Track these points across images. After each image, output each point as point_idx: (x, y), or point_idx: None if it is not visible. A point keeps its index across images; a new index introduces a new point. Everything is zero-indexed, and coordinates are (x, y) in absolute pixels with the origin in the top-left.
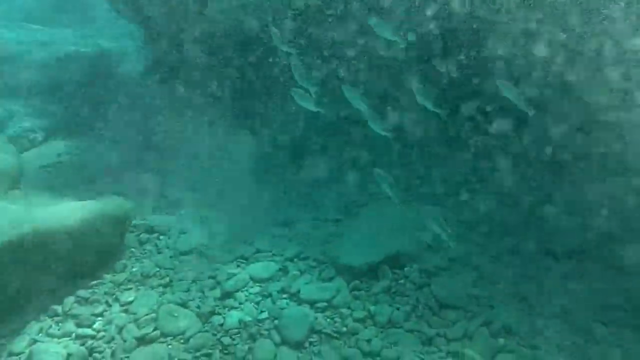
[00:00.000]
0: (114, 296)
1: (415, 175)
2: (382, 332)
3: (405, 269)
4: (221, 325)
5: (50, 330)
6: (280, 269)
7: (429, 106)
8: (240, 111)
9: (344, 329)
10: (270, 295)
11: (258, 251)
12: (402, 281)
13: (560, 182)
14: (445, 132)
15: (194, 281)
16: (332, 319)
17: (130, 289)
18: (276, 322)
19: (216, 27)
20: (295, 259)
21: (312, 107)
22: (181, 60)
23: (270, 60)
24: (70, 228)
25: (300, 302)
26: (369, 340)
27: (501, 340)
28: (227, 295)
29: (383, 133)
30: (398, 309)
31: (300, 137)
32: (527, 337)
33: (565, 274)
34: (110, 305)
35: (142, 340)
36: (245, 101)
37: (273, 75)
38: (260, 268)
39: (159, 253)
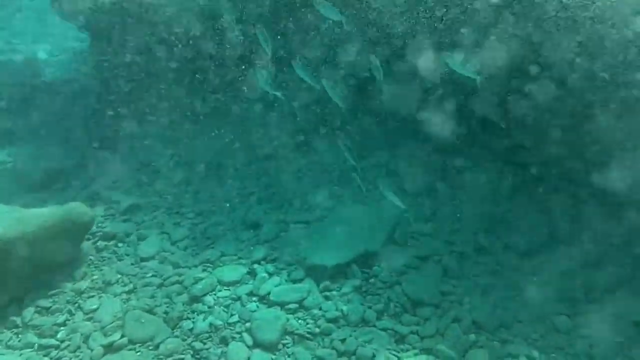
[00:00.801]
0: (77, 304)
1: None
2: (355, 331)
3: (375, 268)
4: (191, 330)
5: (10, 342)
6: (248, 272)
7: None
8: (189, 111)
9: (317, 329)
10: (239, 298)
11: (223, 255)
12: (372, 280)
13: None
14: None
15: (159, 287)
16: (304, 320)
17: (93, 296)
18: (247, 324)
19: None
20: (262, 262)
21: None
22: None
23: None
24: (28, 235)
25: (270, 304)
26: (343, 340)
27: (472, 336)
28: (195, 299)
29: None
30: (370, 307)
31: (259, 137)
32: (496, 331)
33: (529, 269)
34: (73, 314)
35: (110, 348)
36: (191, 101)
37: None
38: (228, 271)
39: (120, 260)
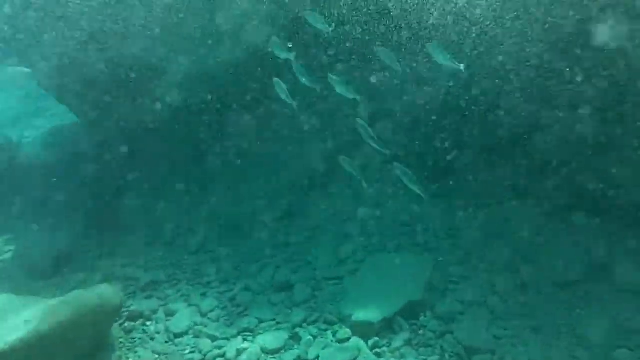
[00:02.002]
0: None
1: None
2: None
3: (421, 318)
4: None
5: None
6: (290, 337)
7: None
8: (188, 176)
9: None
10: None
11: (261, 321)
12: (421, 331)
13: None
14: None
15: None
16: None
17: None
18: None
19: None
20: (304, 324)
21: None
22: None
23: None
24: (63, 326)
25: None
26: None
27: None
28: None
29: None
30: None
31: (270, 193)
32: None
33: (574, 301)
34: None
35: None
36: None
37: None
38: (269, 338)
39: (152, 339)
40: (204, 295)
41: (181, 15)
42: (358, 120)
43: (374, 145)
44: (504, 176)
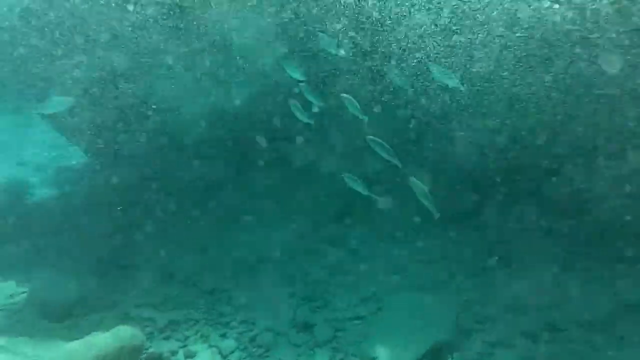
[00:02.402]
0: None
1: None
2: None
3: None
4: None
5: None
6: None
7: None
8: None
9: None
10: None
11: None
12: None
13: None
14: None
15: None
16: None
17: None
18: None
19: None
20: None
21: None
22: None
23: None
24: None
25: None
26: None
27: None
28: None
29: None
30: None
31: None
32: None
33: (603, 343)
34: None
35: None
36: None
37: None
38: None
39: None
40: (223, 335)
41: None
42: (369, 137)
43: (388, 157)
44: (525, 214)
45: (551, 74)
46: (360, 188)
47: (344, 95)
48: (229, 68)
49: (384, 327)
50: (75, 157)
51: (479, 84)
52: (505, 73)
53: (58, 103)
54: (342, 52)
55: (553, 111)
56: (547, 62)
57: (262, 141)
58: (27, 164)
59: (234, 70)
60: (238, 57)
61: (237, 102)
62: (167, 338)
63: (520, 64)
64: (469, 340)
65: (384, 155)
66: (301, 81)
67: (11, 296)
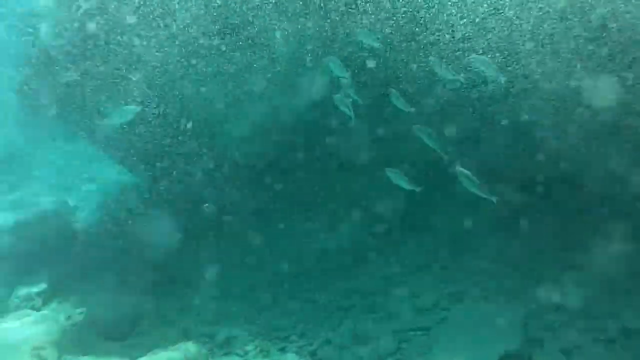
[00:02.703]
0: None
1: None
2: None
3: None
4: None
5: None
6: None
7: None
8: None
9: None
10: None
11: None
12: None
13: None
14: None
15: None
16: None
17: None
18: None
19: None
20: None
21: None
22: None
23: None
24: None
25: None
26: None
27: None
28: None
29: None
30: None
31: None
32: None
33: None
34: None
35: None
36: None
37: None
38: None
39: None
40: (283, 350)
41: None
42: (416, 126)
43: (436, 148)
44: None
45: None
46: (403, 183)
47: (390, 90)
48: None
49: (450, 338)
50: (123, 177)
51: None
52: None
53: (123, 113)
54: (379, 44)
55: None
56: None
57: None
58: (76, 186)
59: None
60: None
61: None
62: (227, 354)
63: None
64: (541, 348)
65: (431, 144)
66: (343, 77)
67: (69, 317)
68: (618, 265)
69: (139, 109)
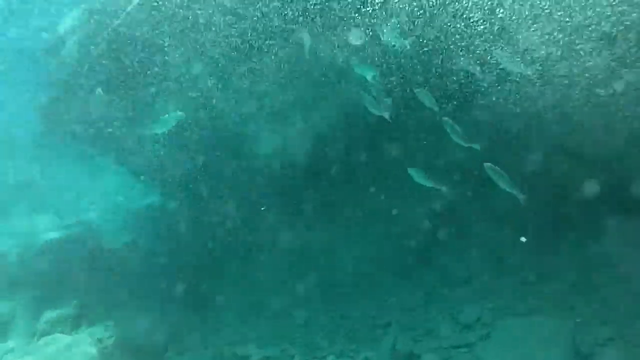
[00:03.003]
0: None
1: None
2: None
3: None
4: None
5: None
6: None
7: None
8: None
9: None
10: None
11: None
12: None
13: None
14: None
15: None
16: None
17: None
18: None
19: None
20: None
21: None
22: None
23: None
24: None
25: None
26: None
27: None
28: None
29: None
30: None
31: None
32: None
33: None
34: None
35: None
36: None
37: None
38: None
39: None
40: None
41: None
42: (445, 119)
43: (462, 142)
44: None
45: None
46: (428, 182)
47: (419, 89)
48: None
49: (496, 355)
50: (151, 198)
51: None
52: None
53: (169, 120)
54: (407, 44)
55: None
56: None
57: None
58: (102, 208)
59: None
60: None
61: None
62: None
63: None
64: None
65: (459, 141)
66: (372, 79)
67: (100, 341)
68: None
69: (183, 115)
